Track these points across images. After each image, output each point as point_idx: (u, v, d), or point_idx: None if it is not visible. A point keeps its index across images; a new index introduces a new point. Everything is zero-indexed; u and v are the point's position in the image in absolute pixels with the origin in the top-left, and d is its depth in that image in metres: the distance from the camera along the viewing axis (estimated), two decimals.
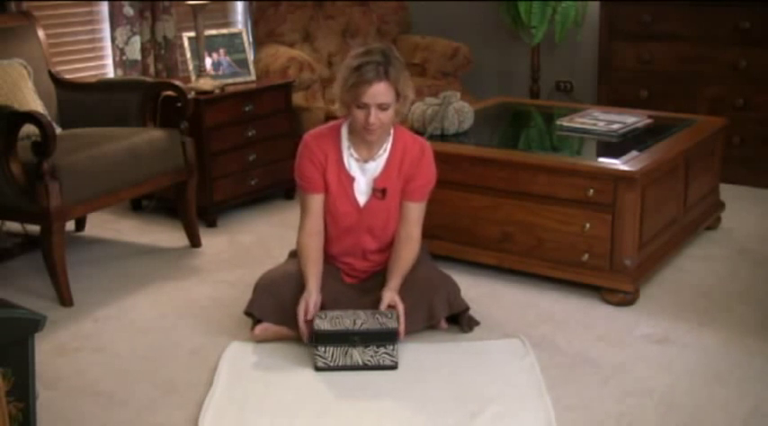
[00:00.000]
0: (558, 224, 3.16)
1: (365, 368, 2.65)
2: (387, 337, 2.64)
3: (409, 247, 2.87)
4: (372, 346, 2.63)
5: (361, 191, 2.86)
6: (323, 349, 2.64)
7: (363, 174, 2.86)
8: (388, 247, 2.91)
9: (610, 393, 2.53)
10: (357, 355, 2.64)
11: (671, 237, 3.40)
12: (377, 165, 2.85)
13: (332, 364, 2.64)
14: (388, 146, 2.85)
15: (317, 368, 2.65)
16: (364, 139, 2.80)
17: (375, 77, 2.67)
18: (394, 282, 2.80)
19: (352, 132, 2.84)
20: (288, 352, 2.77)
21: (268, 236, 3.90)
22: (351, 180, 2.85)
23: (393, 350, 2.65)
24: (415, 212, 2.89)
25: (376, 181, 2.85)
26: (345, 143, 2.85)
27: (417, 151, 2.87)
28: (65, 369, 2.74)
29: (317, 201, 2.86)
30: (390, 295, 2.76)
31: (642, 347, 2.81)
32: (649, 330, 2.92)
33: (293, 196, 4.38)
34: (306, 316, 2.72)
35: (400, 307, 2.73)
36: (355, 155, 2.85)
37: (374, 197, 2.86)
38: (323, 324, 2.66)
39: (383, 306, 2.74)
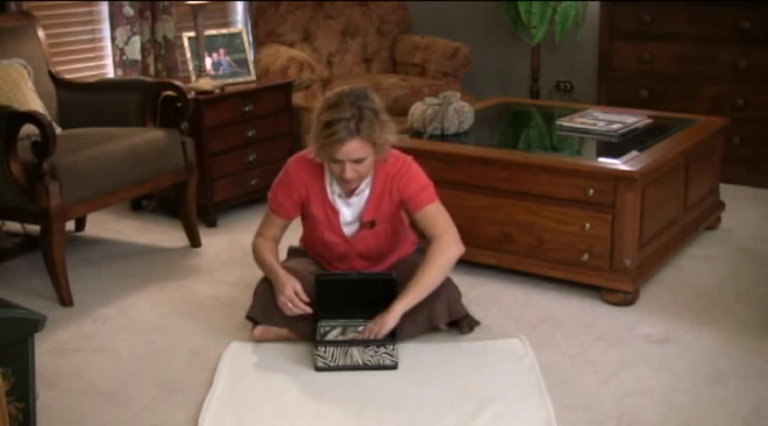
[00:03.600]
0: (558, 224, 3.16)
1: (365, 368, 2.65)
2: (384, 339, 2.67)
3: (440, 252, 2.74)
4: (372, 346, 2.64)
5: (348, 223, 2.85)
6: (323, 349, 2.64)
7: (348, 207, 2.84)
8: (385, 262, 2.91)
9: (610, 393, 2.53)
10: (357, 355, 2.64)
11: (671, 237, 3.40)
12: (360, 200, 2.83)
13: (332, 364, 2.64)
14: (369, 179, 2.80)
15: (317, 368, 2.65)
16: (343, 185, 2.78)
17: (347, 136, 2.59)
18: (402, 303, 2.69)
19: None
20: (288, 352, 2.77)
21: None
22: (336, 213, 2.83)
23: (393, 350, 2.65)
24: (431, 215, 2.80)
25: (362, 215, 2.83)
26: (328, 177, 2.81)
27: (398, 173, 2.79)
28: (65, 369, 2.74)
29: (280, 224, 2.91)
30: (389, 318, 2.67)
31: (642, 347, 2.81)
32: (649, 330, 2.92)
33: None
34: (299, 300, 2.72)
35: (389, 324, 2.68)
36: (338, 191, 2.82)
37: (363, 228, 2.85)
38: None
39: (381, 330, 2.67)
